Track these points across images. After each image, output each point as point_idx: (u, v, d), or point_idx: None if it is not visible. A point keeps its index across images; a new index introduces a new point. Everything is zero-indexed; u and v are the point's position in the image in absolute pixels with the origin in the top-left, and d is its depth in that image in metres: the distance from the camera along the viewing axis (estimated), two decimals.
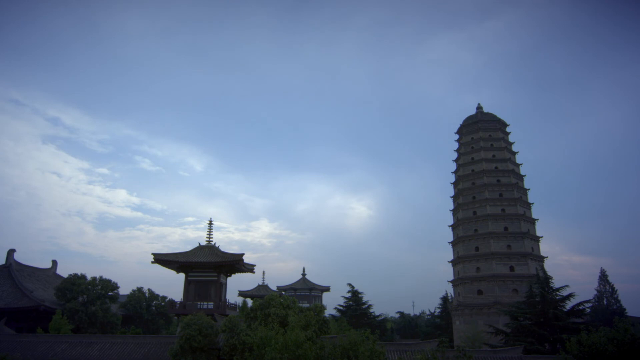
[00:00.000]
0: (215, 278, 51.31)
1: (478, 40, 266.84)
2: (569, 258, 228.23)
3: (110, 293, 60.46)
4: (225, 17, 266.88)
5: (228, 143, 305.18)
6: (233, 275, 55.33)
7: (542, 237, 70.74)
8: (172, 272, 53.21)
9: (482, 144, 76.25)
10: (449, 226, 76.45)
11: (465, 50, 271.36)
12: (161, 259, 49.93)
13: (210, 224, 54.56)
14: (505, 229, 68.69)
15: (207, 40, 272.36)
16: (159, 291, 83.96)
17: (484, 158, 74.56)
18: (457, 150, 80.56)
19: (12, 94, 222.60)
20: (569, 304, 49.67)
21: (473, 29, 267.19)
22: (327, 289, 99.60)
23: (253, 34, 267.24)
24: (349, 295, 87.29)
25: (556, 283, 51.87)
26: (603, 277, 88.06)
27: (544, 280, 51.55)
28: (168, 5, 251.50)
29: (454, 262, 73.60)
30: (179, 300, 51.34)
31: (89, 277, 59.46)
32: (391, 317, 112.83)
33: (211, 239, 53.64)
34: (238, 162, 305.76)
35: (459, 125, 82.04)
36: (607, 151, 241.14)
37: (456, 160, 79.88)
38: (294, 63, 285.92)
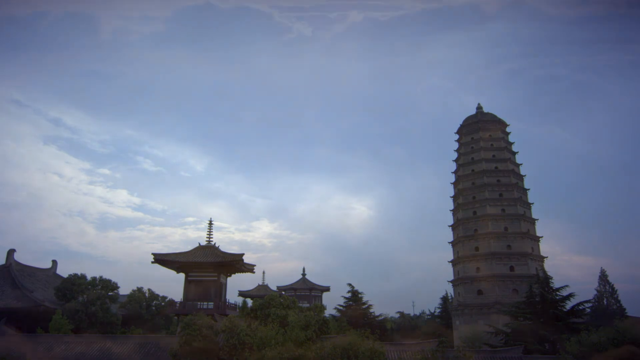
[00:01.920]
0: (215, 278, 51.38)
1: (479, 41, 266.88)
2: (569, 258, 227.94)
3: (110, 293, 60.37)
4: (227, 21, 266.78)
5: (229, 143, 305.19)
6: (233, 275, 55.41)
7: (542, 237, 70.83)
8: (172, 272, 53.31)
9: (482, 144, 76.25)
10: (449, 226, 76.46)
11: (466, 50, 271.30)
12: (161, 259, 50.04)
13: (211, 224, 54.66)
14: (505, 229, 68.70)
15: (209, 41, 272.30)
16: (159, 291, 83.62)
17: (484, 158, 74.57)
18: (457, 150, 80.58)
19: (14, 95, 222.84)
20: (569, 304, 49.70)
21: (474, 30, 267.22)
22: (327, 289, 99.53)
23: (255, 38, 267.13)
24: (349, 295, 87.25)
25: (556, 283, 51.92)
26: (603, 277, 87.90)
27: (544, 280, 51.60)
28: (168, 5, 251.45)
29: (454, 262, 73.61)
30: (179, 300, 51.40)
31: (89, 277, 59.42)
32: (391, 317, 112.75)
33: (211, 239, 53.72)
34: (239, 162, 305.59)
35: (459, 125, 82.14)
36: (607, 151, 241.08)
37: (456, 160, 79.90)
38: (295, 63, 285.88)
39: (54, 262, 69.91)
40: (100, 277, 60.52)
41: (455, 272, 72.99)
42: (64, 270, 70.82)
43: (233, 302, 55.43)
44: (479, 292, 67.24)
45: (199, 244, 53.33)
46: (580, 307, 49.74)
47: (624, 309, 79.66)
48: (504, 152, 75.28)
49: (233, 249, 71.94)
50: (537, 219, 72.12)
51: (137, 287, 77.94)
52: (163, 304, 77.46)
